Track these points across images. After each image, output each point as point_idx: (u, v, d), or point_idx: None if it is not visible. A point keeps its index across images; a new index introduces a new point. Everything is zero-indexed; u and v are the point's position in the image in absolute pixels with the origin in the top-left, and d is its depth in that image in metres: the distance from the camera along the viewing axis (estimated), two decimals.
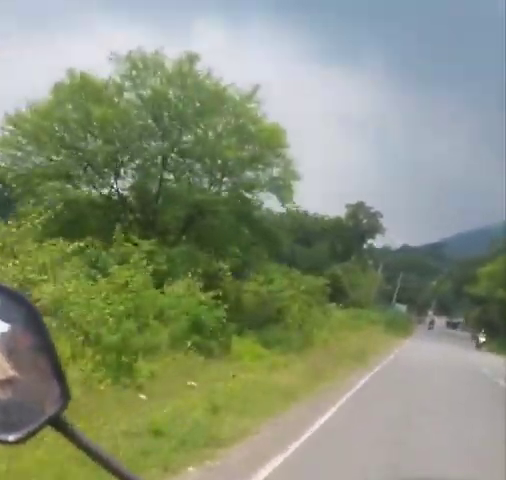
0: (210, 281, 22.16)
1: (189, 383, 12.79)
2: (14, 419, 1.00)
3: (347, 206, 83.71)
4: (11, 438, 0.98)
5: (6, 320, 1.07)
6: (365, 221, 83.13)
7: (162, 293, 17.33)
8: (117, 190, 24.91)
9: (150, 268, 15.23)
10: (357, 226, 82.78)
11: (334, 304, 53.30)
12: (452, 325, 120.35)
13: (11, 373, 1.00)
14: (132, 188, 25.33)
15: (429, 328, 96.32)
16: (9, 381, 1.00)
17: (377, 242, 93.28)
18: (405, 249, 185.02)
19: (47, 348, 1.05)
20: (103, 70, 24.00)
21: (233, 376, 14.85)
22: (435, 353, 37.36)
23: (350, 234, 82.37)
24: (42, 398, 1.02)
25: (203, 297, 17.92)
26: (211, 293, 18.14)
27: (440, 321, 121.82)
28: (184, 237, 24.79)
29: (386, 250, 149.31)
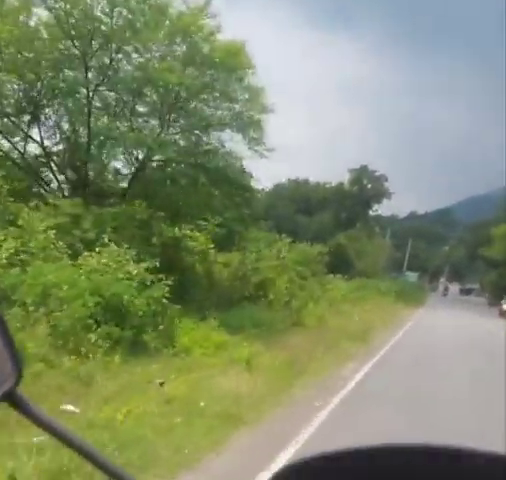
0: (165, 252, 17.18)
1: (65, 407, 7.81)
2: None
3: (350, 171, 78.09)
4: None
5: None
6: (370, 186, 77.47)
7: (74, 266, 12.34)
8: (40, 143, 19.57)
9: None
10: (361, 192, 77.21)
11: (338, 275, 49.11)
12: (466, 291, 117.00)
13: None
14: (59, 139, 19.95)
15: (443, 295, 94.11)
16: None
17: (383, 209, 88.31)
18: (412, 216, 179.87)
19: None
20: None
21: (161, 384, 9.88)
22: (454, 326, 32.25)
23: (354, 201, 76.90)
24: None
25: (135, 270, 12.88)
26: (144, 265, 13.10)
27: (453, 288, 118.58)
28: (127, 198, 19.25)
29: (393, 218, 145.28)
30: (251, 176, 23.29)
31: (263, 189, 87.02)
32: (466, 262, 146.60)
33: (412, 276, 77.33)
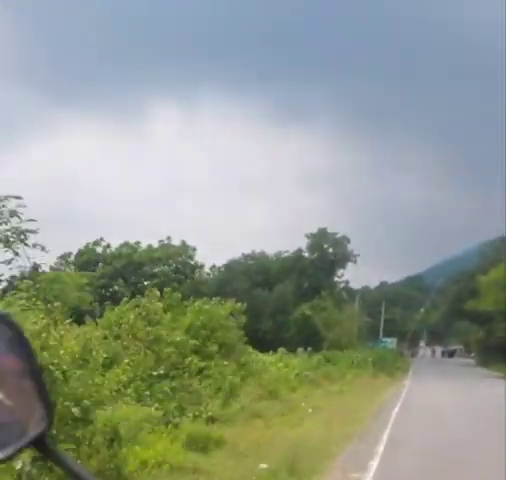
0: None
1: None
2: (0, 437, 0.99)
3: (307, 236, 69.82)
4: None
5: None
6: (331, 250, 69.17)
7: None
8: None
9: None
10: (323, 257, 68.80)
11: (301, 349, 40.22)
12: (449, 353, 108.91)
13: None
14: None
15: (432, 356, 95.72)
16: None
17: (353, 283, 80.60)
18: (384, 285, 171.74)
19: (33, 371, 1.01)
20: None
21: None
22: (460, 404, 23.41)
23: (316, 268, 68.38)
24: (26, 420, 1.00)
25: None
26: None
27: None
28: None
29: (365, 289, 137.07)
30: None
31: (214, 266, 79.25)
32: (443, 324, 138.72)
33: (390, 342, 67.89)
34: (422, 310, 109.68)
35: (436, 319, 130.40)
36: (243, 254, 78.97)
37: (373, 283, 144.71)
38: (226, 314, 21.40)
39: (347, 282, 71.06)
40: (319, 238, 68.63)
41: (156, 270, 57.65)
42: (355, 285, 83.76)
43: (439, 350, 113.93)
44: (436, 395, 27.63)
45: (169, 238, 61.30)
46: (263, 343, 66.04)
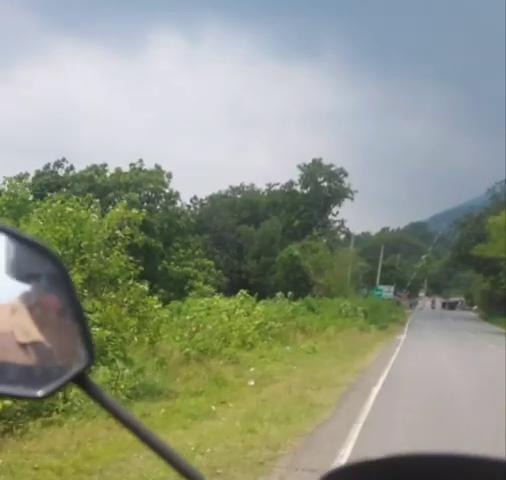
0: None
1: None
2: (40, 376, 0.99)
3: (300, 167, 61.67)
4: (39, 393, 0.97)
5: (29, 276, 1.01)
6: (326, 184, 61.16)
7: None
8: None
9: None
10: (316, 192, 60.86)
11: (280, 294, 34.62)
12: (449, 305, 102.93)
13: (36, 336, 0.97)
14: None
15: (432, 308, 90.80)
16: (34, 343, 0.98)
17: (354, 228, 72.90)
18: (385, 232, 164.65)
19: (73, 306, 1.00)
20: None
21: None
22: (477, 379, 15.86)
23: (309, 204, 60.59)
24: (67, 357, 1.00)
25: None
26: None
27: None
28: None
29: (366, 235, 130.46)
30: None
31: (196, 198, 71.25)
32: (445, 275, 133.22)
33: (386, 291, 60.16)
34: (423, 257, 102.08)
35: (438, 269, 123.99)
36: (231, 187, 71.08)
37: (375, 229, 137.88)
38: (112, 225, 13.05)
39: (343, 221, 63.17)
40: (313, 170, 60.53)
41: (123, 197, 49.89)
42: (356, 230, 76.73)
43: (439, 301, 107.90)
44: (437, 360, 20.25)
45: (141, 161, 53.30)
46: (247, 287, 59.47)
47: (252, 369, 15.46)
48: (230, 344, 18.51)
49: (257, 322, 21.65)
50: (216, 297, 25.20)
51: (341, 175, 60.86)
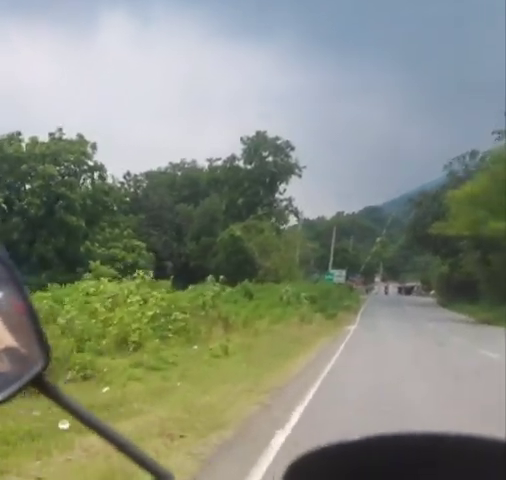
0: None
1: None
2: None
3: (243, 140, 55.84)
4: None
5: None
6: (271, 158, 55.43)
7: None
8: None
9: None
10: (261, 167, 55.16)
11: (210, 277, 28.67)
12: (406, 290, 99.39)
13: (9, 342, 0.98)
14: None
15: (385, 293, 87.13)
16: (6, 350, 0.98)
17: (309, 213, 68.02)
18: (340, 216, 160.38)
19: (25, 307, 1.00)
20: None
21: None
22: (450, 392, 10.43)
23: (253, 179, 54.93)
24: (23, 359, 0.99)
25: None
26: None
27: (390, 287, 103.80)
28: None
29: (321, 220, 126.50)
30: None
31: (129, 174, 64.85)
32: (401, 258, 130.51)
33: (338, 275, 54.45)
34: (378, 240, 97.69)
35: (393, 252, 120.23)
36: (171, 163, 64.93)
37: (330, 214, 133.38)
38: None
39: (290, 200, 57.49)
40: (257, 143, 54.81)
41: (39, 169, 43.41)
42: (310, 216, 71.81)
43: (394, 287, 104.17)
44: (393, 366, 14.78)
45: (61, 130, 46.72)
46: (187, 270, 54.09)
47: (106, 389, 9.92)
48: (97, 345, 12.86)
49: (150, 313, 15.93)
50: (104, 280, 19.36)
51: (288, 149, 55.28)
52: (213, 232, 50.06)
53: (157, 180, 59.10)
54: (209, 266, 48.63)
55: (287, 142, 55.10)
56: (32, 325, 0.97)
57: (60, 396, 0.96)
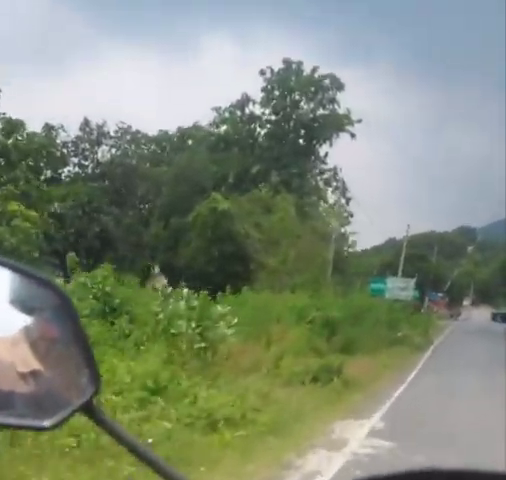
0: None
1: None
2: (47, 406, 0.99)
3: (263, 73, 36.14)
4: (46, 424, 0.97)
5: (32, 309, 1.01)
6: (307, 104, 35.50)
7: None
8: None
9: None
10: (289, 116, 35.46)
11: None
12: (502, 317, 76.45)
13: (35, 366, 0.97)
14: None
15: (454, 319, 64.06)
16: (33, 373, 0.97)
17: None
18: (430, 235, 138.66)
19: (77, 335, 1.01)
20: None
21: None
22: None
23: (276, 135, 35.41)
24: (74, 386, 1.00)
25: None
26: None
27: (480, 311, 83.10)
28: None
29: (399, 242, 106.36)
30: None
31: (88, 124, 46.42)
32: (497, 281, 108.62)
33: (401, 287, 32.22)
34: (469, 251, 75.97)
35: (487, 275, 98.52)
36: (179, 127, 46.15)
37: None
38: None
39: (335, 170, 36.96)
40: (286, 79, 35.02)
41: None
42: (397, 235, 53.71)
43: (481, 311, 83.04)
44: None
45: None
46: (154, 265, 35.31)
47: None
48: None
49: None
50: None
51: (333, 90, 35.22)
52: (192, 208, 30.46)
53: (138, 141, 40.56)
54: (179, 262, 29.79)
55: (334, 77, 34.99)
56: (82, 352, 0.96)
57: (110, 423, 0.95)
